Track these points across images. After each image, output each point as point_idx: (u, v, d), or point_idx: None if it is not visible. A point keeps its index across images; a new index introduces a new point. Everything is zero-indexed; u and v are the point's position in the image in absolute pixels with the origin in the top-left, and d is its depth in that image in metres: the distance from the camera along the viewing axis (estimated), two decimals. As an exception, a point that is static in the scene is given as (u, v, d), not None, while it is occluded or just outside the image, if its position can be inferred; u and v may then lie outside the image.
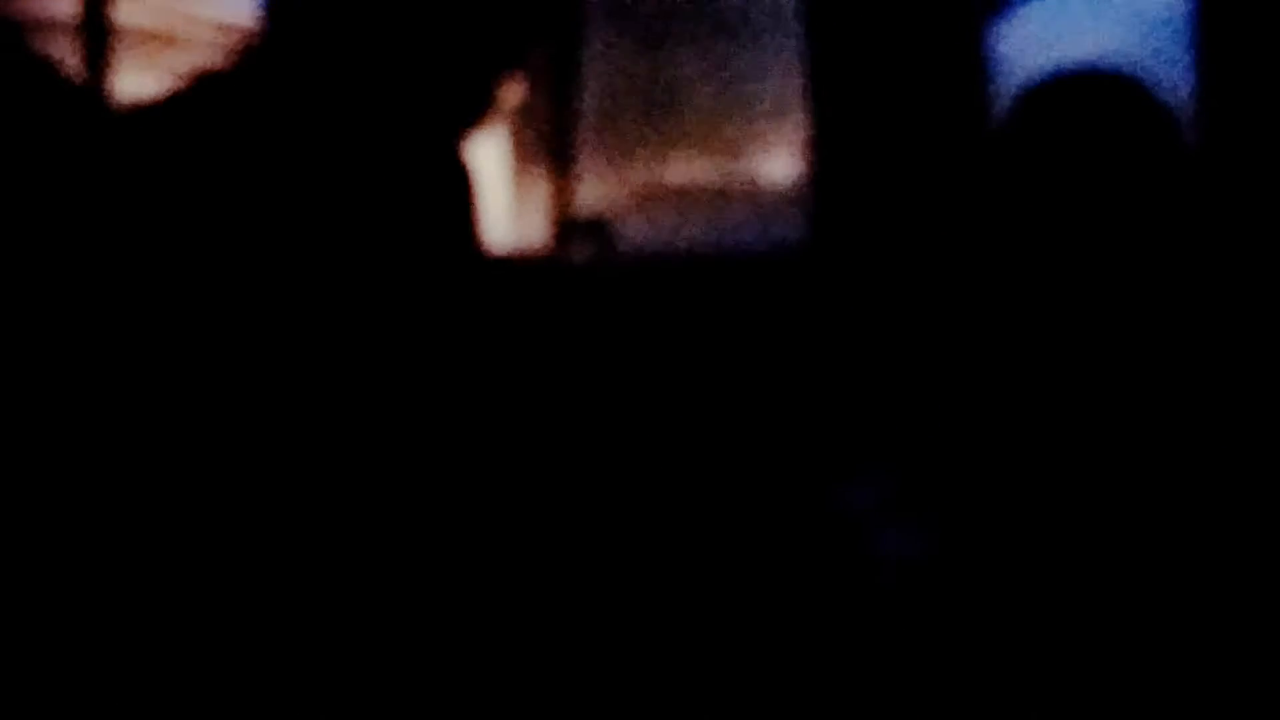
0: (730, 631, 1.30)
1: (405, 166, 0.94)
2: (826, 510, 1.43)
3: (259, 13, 0.89)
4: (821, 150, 2.27)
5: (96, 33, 1.40)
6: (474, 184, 1.04)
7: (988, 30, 2.12)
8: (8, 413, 0.75)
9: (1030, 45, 2.03)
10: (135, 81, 0.88)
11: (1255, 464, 1.08)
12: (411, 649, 0.83)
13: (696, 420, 1.85)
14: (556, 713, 0.94)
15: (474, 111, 0.96)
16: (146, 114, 0.85)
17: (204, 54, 0.93)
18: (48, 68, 0.90)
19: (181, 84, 0.85)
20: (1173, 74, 1.80)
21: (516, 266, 1.86)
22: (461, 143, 1.01)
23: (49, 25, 1.41)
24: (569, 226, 1.97)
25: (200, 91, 0.85)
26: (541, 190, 2.19)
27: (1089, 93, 1.19)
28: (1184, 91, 1.82)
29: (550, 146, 2.15)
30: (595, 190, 2.24)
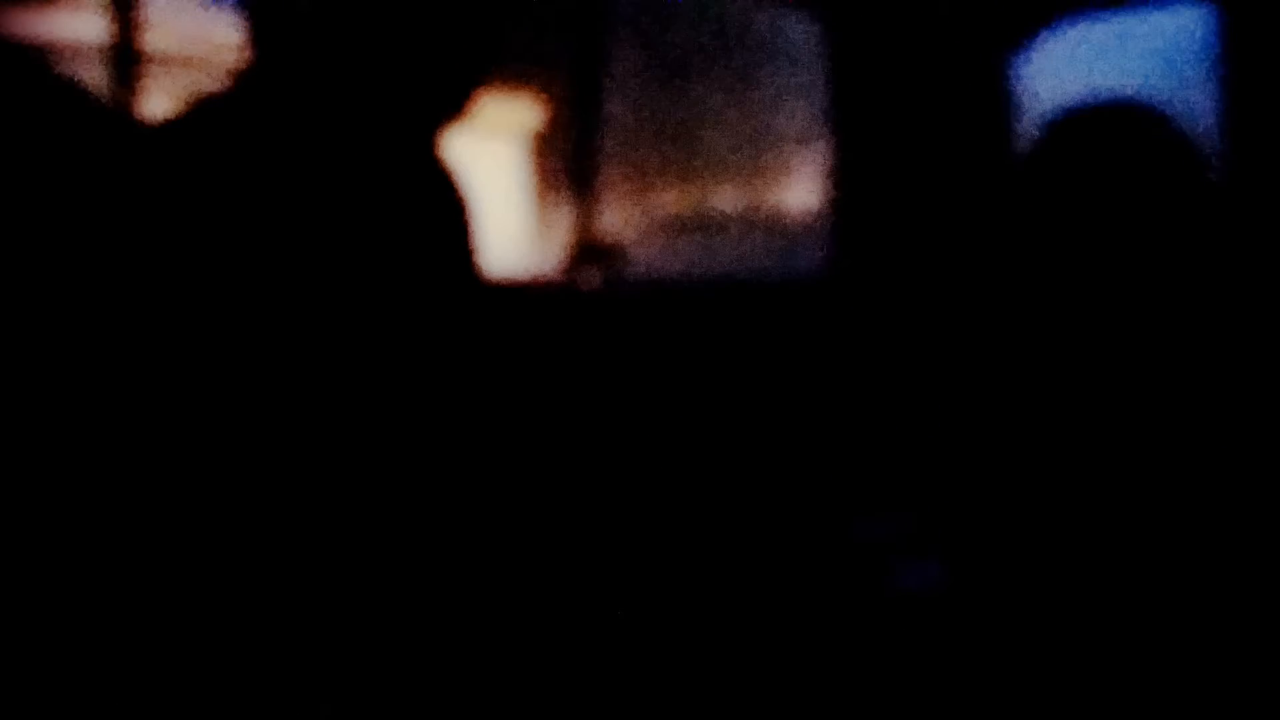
0: (749, 659, 1.29)
1: (399, 183, 0.95)
2: (846, 542, 1.42)
3: (243, 31, 0.89)
4: (843, 179, 2.27)
5: (125, 58, 1.42)
6: (467, 201, 1.05)
7: (1011, 60, 2.12)
8: (14, 413, 0.75)
9: (1054, 75, 2.03)
10: (162, 106, 0.89)
11: (1270, 497, 1.07)
12: (411, 649, 0.83)
13: (714, 449, 1.84)
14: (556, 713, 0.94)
15: (456, 116, 0.96)
16: (149, 138, 0.85)
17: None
18: (76, 92, 0.91)
19: (181, 107, 0.85)
20: (1196, 105, 1.80)
21: (533, 290, 1.87)
22: (455, 160, 1.02)
23: (77, 50, 1.42)
24: (583, 251, 1.97)
25: (197, 114, 0.85)
26: (562, 216, 2.19)
27: (1112, 124, 1.19)
28: (1207, 123, 1.81)
29: (571, 172, 2.16)
30: (616, 216, 2.24)
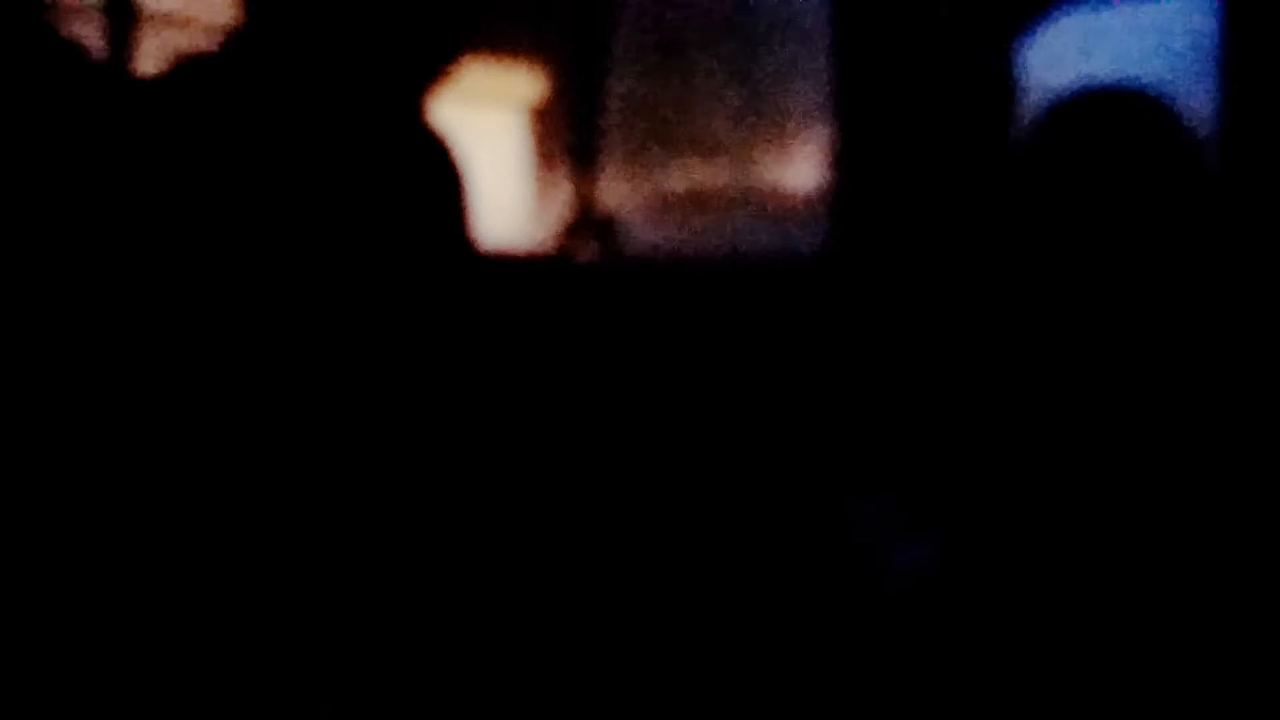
0: (739, 640, 1.29)
1: (389, 156, 0.94)
2: (837, 522, 1.42)
3: None
4: (843, 160, 2.26)
5: (120, 15, 1.41)
6: (462, 171, 1.04)
7: (1014, 46, 2.11)
8: (9, 409, 0.75)
9: (1056, 62, 2.02)
10: (157, 64, 0.89)
11: (1262, 476, 1.07)
12: (411, 649, 0.82)
13: (708, 427, 1.84)
14: (558, 713, 0.94)
15: (447, 78, 0.95)
16: (141, 97, 0.85)
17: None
18: (70, 49, 0.91)
19: (168, 68, 0.85)
20: (1197, 94, 1.79)
21: (531, 265, 1.86)
22: (451, 131, 1.01)
23: (72, 8, 1.41)
24: (580, 226, 1.96)
25: (185, 76, 0.85)
26: (562, 192, 2.19)
27: (1112, 111, 1.19)
28: (1208, 112, 1.81)
29: (572, 149, 2.15)
30: (616, 193, 2.24)
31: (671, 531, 1.49)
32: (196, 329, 0.77)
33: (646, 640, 1.22)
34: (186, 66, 0.86)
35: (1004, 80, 2.13)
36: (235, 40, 0.90)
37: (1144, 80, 1.30)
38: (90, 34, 1.38)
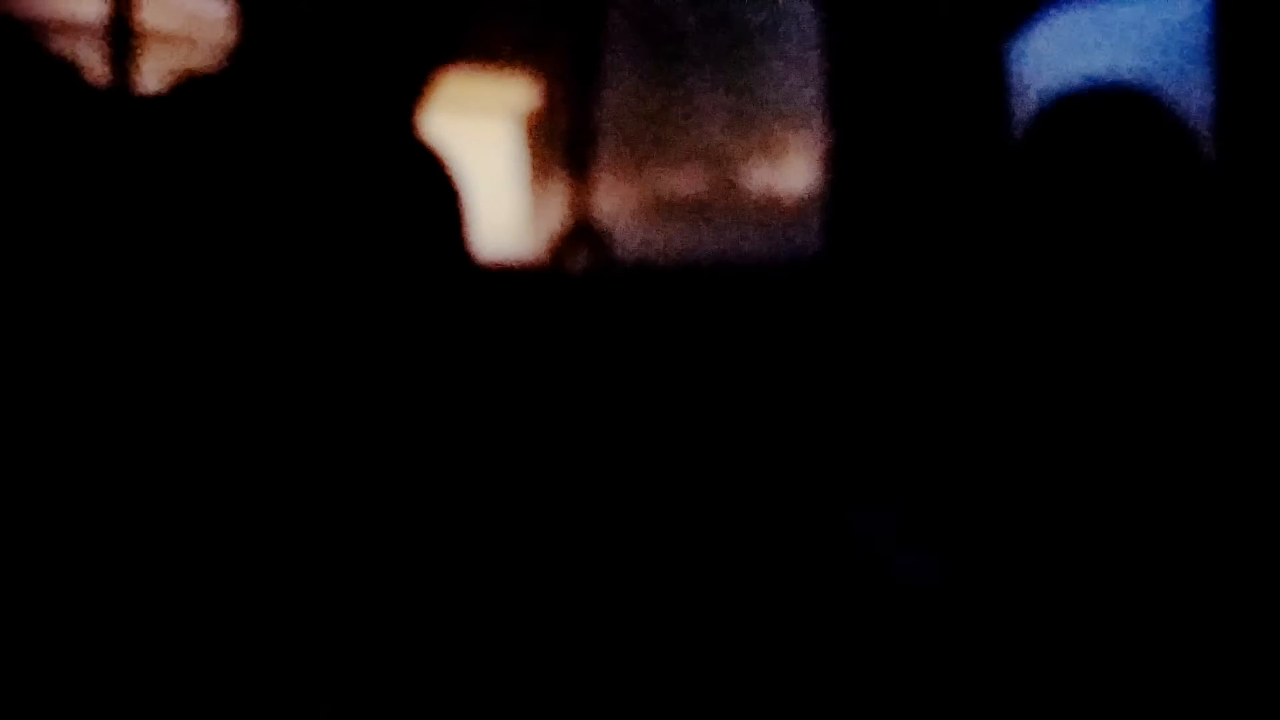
0: (740, 647, 1.29)
1: (385, 166, 0.94)
2: (841, 534, 1.42)
3: (237, 8, 0.89)
4: (838, 164, 2.26)
5: (122, 36, 1.41)
6: (458, 181, 1.04)
7: (1007, 45, 2.11)
8: (10, 410, 0.75)
9: (1049, 61, 2.02)
10: (156, 83, 0.89)
11: (1263, 477, 1.07)
12: (411, 649, 0.82)
13: (706, 435, 1.83)
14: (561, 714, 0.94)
15: (433, 91, 0.95)
16: (139, 116, 0.85)
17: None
18: (71, 70, 0.91)
19: (168, 85, 0.85)
20: (1191, 92, 1.79)
21: (527, 273, 1.86)
22: (446, 140, 1.01)
23: (74, 28, 1.41)
24: (574, 234, 1.96)
25: (186, 93, 0.85)
26: (556, 199, 2.18)
27: (1107, 108, 1.18)
28: (1202, 109, 1.81)
29: (567, 156, 2.15)
30: (610, 200, 2.24)
31: (672, 539, 1.49)
32: (200, 341, 0.77)
33: (648, 648, 1.22)
34: (186, 85, 0.86)
35: (997, 80, 2.13)
36: (234, 58, 0.90)
37: (1139, 77, 1.30)
38: (89, 53, 1.38)
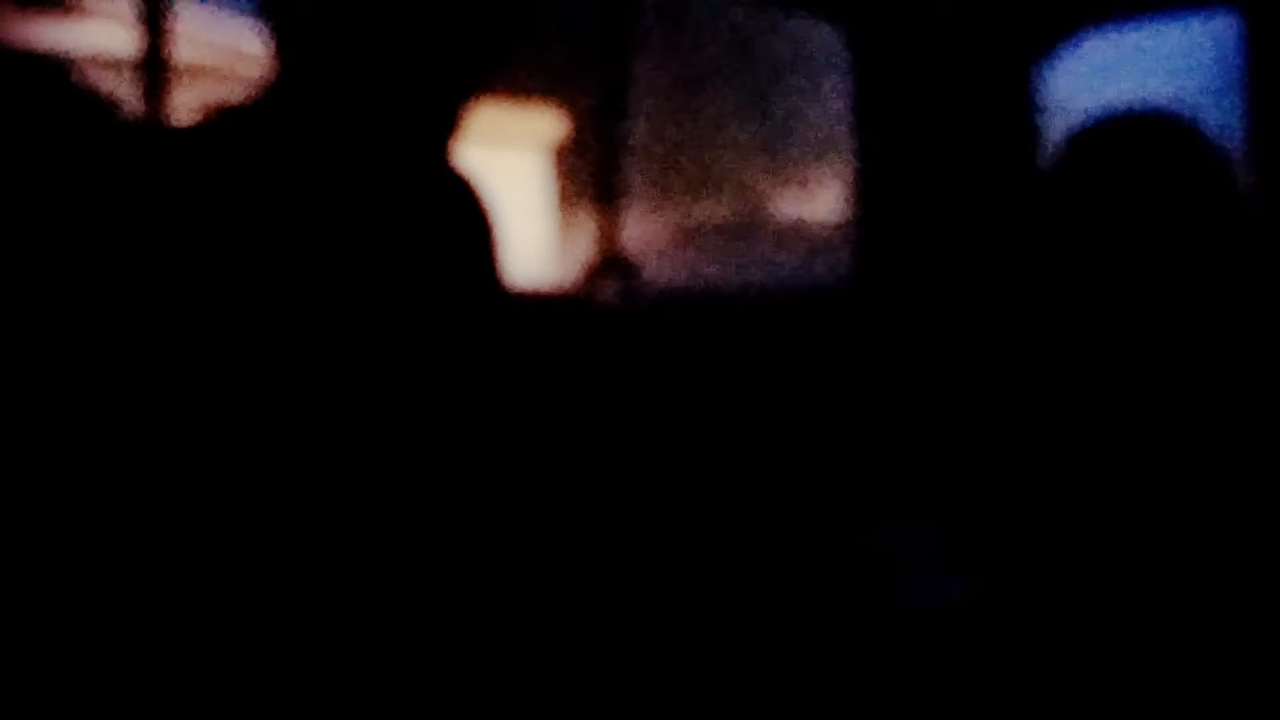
0: (764, 672, 1.28)
1: (422, 194, 0.94)
2: (868, 554, 1.41)
3: (270, 41, 0.89)
4: (866, 190, 2.26)
5: (153, 69, 1.42)
6: (491, 213, 1.05)
7: (1037, 70, 2.11)
8: (26, 413, 0.75)
9: (1080, 86, 2.01)
10: (189, 117, 0.90)
11: None
12: (412, 649, 0.82)
13: (734, 459, 1.83)
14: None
15: (467, 122, 0.96)
16: (172, 150, 0.85)
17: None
18: (105, 104, 0.92)
19: (203, 118, 0.85)
20: (1222, 116, 1.78)
21: (555, 302, 1.86)
22: (478, 172, 1.01)
23: (105, 62, 1.43)
24: (602, 262, 1.97)
25: (220, 125, 0.85)
26: (586, 229, 2.19)
27: (1139, 132, 1.17)
28: (1233, 134, 1.80)
29: (595, 186, 2.16)
30: (639, 229, 2.24)
31: (701, 560, 1.49)
32: (234, 373, 0.77)
33: (670, 668, 1.21)
34: (220, 117, 0.86)
35: (1027, 105, 2.13)
36: (269, 90, 0.90)
37: (1170, 101, 1.29)
38: (123, 88, 1.40)
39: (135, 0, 1.45)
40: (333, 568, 0.79)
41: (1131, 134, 1.17)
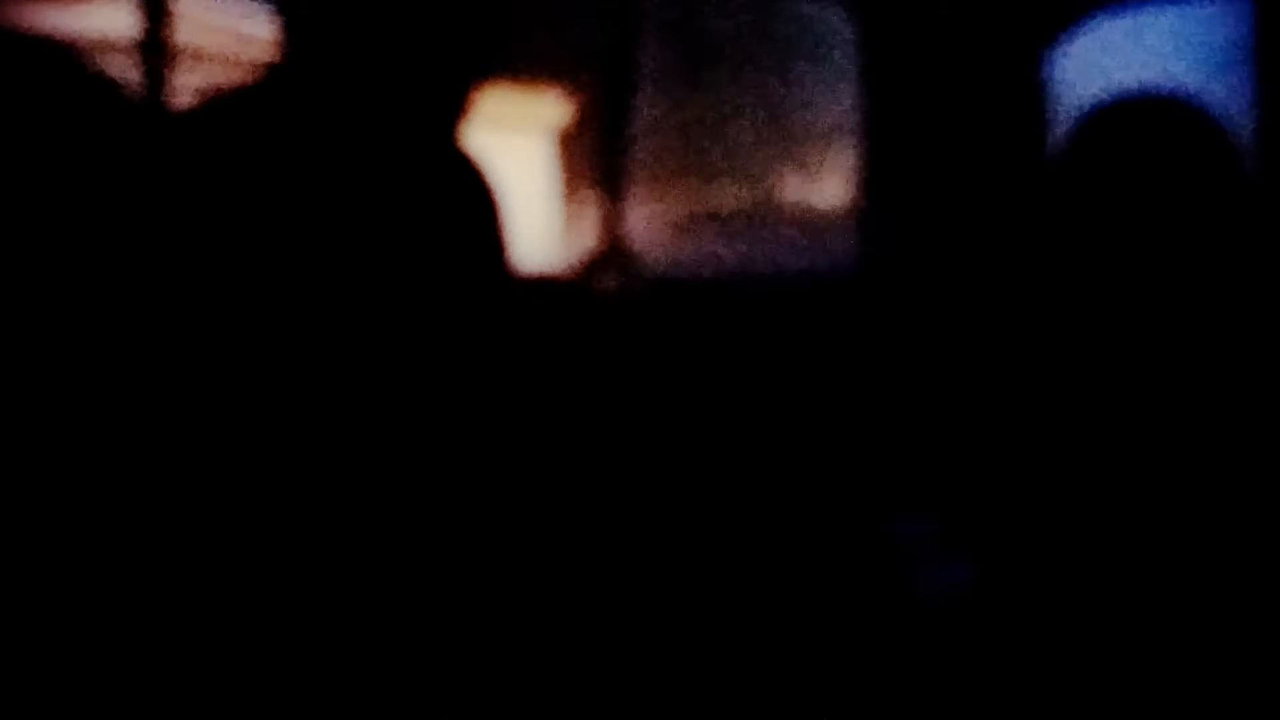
0: (772, 660, 1.29)
1: (427, 177, 0.94)
2: (871, 543, 1.42)
3: (276, 25, 0.89)
4: (872, 176, 2.25)
5: (154, 53, 1.43)
6: (496, 196, 1.03)
7: (1045, 55, 2.10)
8: (39, 410, 0.75)
9: (1088, 72, 2.01)
10: (191, 101, 0.90)
11: None
12: (416, 649, 0.82)
13: (739, 447, 1.83)
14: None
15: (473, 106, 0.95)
16: (178, 133, 0.85)
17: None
18: (105, 86, 0.92)
19: (209, 102, 0.85)
20: (1231, 102, 1.77)
21: (559, 286, 1.87)
22: (483, 156, 1.01)
23: (106, 45, 1.43)
24: (607, 248, 1.97)
25: (226, 109, 0.85)
26: (589, 213, 2.19)
27: (1147, 116, 1.16)
28: (1243, 120, 1.79)
29: (600, 171, 2.16)
30: (644, 215, 2.24)
31: (704, 551, 1.49)
32: (235, 353, 0.77)
33: (679, 658, 1.22)
34: (224, 100, 0.86)
35: (1035, 90, 2.12)
36: (273, 75, 0.90)
37: (1179, 86, 1.29)
38: (125, 70, 1.40)
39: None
40: (337, 559, 0.79)
41: (1138, 118, 1.16)
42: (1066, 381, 1.20)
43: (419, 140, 0.93)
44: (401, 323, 0.86)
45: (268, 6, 0.89)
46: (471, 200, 1.01)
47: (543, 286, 1.81)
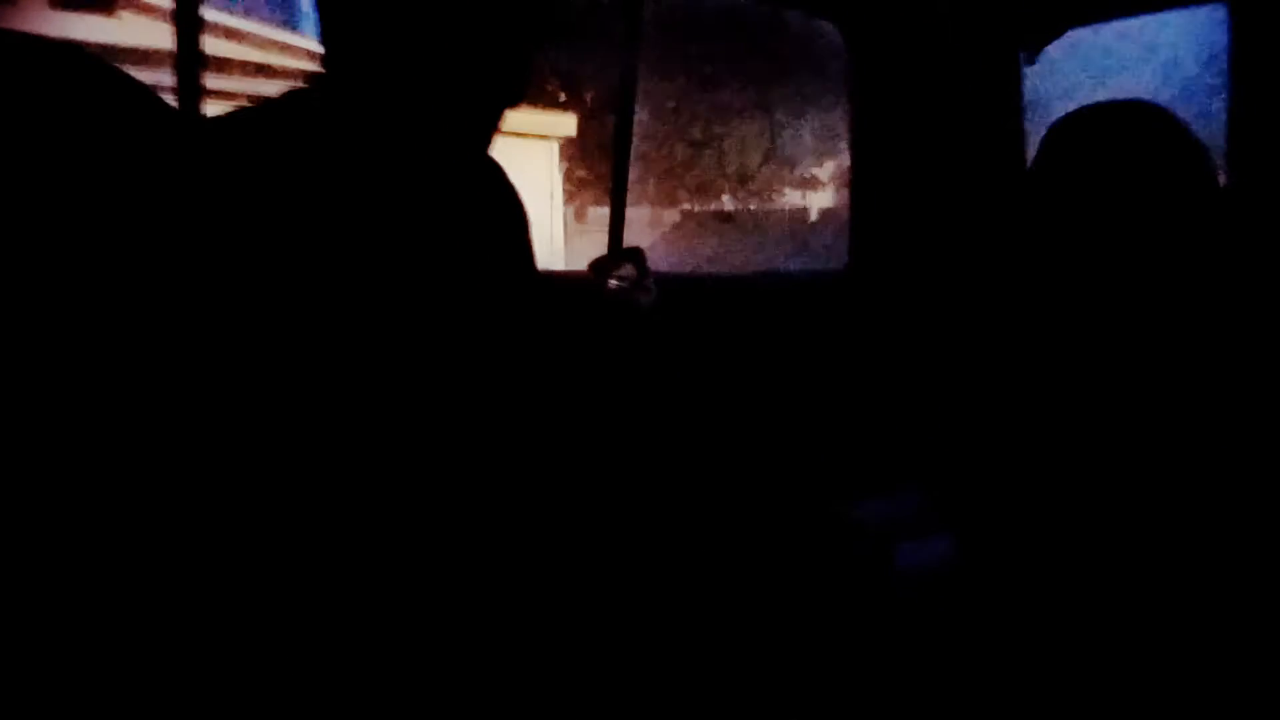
0: (750, 638, 1.27)
1: (453, 183, 0.95)
2: (850, 523, 1.42)
3: (320, 39, 0.90)
4: (864, 180, 2.28)
5: (190, 63, 1.43)
6: (516, 201, 1.05)
7: (1026, 65, 2.12)
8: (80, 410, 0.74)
9: (1066, 87, 2.02)
10: (227, 110, 0.90)
11: (1269, 478, 1.06)
12: (421, 649, 0.82)
13: (727, 434, 1.85)
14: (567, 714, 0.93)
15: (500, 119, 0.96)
16: (217, 142, 0.85)
17: (299, 82, 0.94)
18: (143, 97, 0.91)
19: (243, 113, 0.85)
20: (1204, 108, 1.78)
21: (566, 284, 1.89)
22: (499, 164, 1.02)
23: (142, 56, 1.41)
24: (611, 248, 1.99)
25: (263, 119, 0.85)
26: (595, 217, 2.22)
27: (1118, 124, 1.18)
28: (1216, 125, 1.79)
29: (603, 174, 2.17)
30: (647, 216, 2.27)
31: (686, 531, 1.48)
32: (277, 350, 0.77)
33: (655, 638, 1.20)
34: (260, 110, 0.86)
35: (1015, 98, 2.14)
36: (312, 85, 0.91)
37: (1152, 96, 1.29)
38: (162, 79, 1.38)
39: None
40: (363, 552, 0.79)
41: (1109, 127, 1.18)
42: (1044, 369, 1.22)
43: (452, 146, 0.95)
44: (434, 318, 0.87)
45: (314, 17, 0.90)
46: (500, 204, 1.03)
47: (552, 281, 1.83)
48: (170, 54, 1.45)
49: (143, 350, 0.75)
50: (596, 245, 2.04)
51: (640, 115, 2.25)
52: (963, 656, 1.16)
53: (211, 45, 1.45)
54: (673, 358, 1.74)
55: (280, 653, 0.76)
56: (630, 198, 2.18)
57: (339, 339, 0.79)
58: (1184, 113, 1.18)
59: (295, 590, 0.77)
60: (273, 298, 0.77)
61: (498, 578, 0.88)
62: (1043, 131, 1.26)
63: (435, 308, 0.86)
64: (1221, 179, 1.26)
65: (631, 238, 2.14)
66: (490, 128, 0.96)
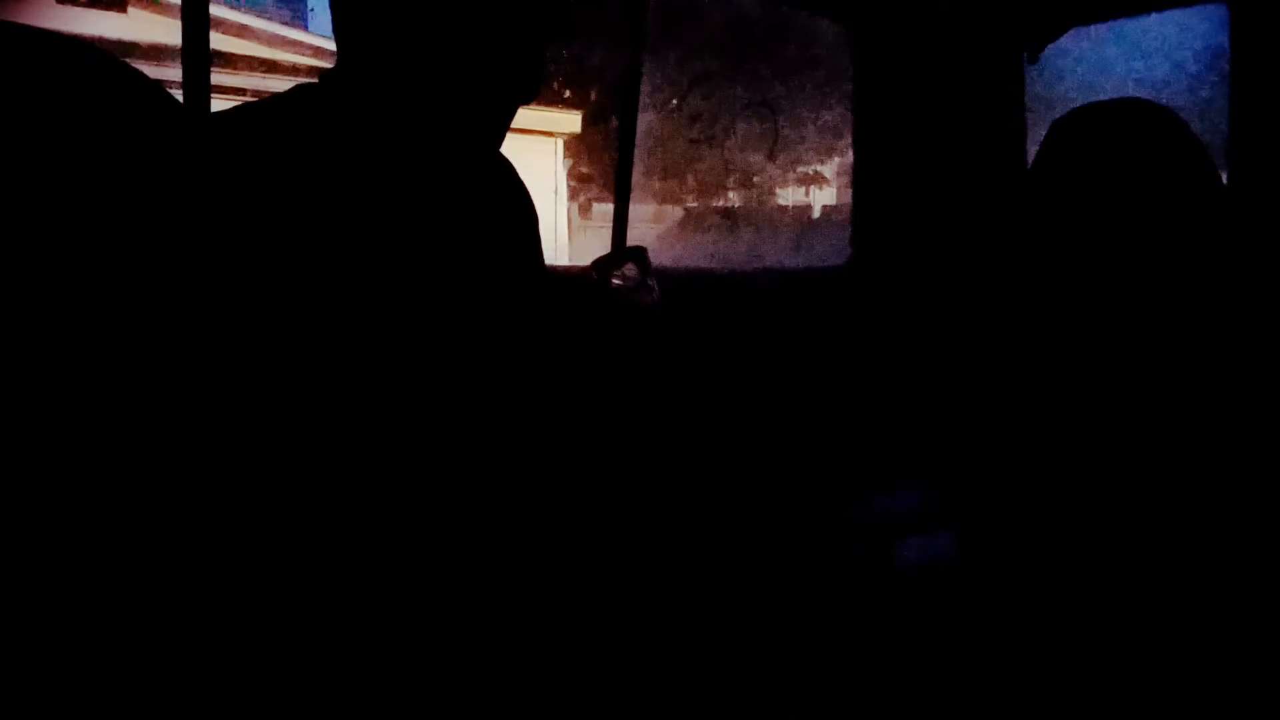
0: (752, 635, 1.27)
1: (460, 181, 0.95)
2: (851, 519, 1.41)
3: (333, 34, 0.89)
4: (867, 177, 2.28)
5: (197, 59, 1.43)
6: (524, 197, 1.05)
7: (1028, 64, 2.12)
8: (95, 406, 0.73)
9: (1068, 85, 2.02)
10: (236, 107, 0.90)
11: (1269, 478, 1.06)
12: (428, 649, 0.81)
13: (729, 430, 1.85)
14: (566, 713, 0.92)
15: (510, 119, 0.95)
16: (227, 138, 0.84)
17: (306, 79, 0.94)
18: (152, 93, 0.91)
19: (253, 110, 0.84)
20: (1206, 106, 1.78)
21: (570, 281, 1.90)
22: (508, 162, 1.02)
23: (151, 52, 1.42)
24: (615, 246, 1.99)
25: (266, 112, 0.85)
26: (599, 214, 2.22)
27: (1119, 122, 1.18)
28: (1217, 124, 1.79)
29: (609, 174, 2.17)
30: (651, 213, 2.27)
31: (689, 528, 1.48)
32: (290, 337, 0.77)
33: (659, 635, 1.20)
34: (268, 106, 0.86)
35: (1018, 97, 2.14)
36: (320, 81, 0.91)
37: (1153, 94, 1.29)
38: (172, 75, 1.38)
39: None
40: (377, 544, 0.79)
41: (1110, 124, 1.18)
42: (1045, 366, 1.22)
43: (464, 146, 0.95)
44: (445, 312, 0.87)
45: (330, 15, 0.90)
46: (511, 202, 1.02)
47: (555, 278, 1.83)
48: (179, 50, 1.45)
49: (150, 343, 0.75)
50: (600, 241, 2.04)
51: (644, 112, 2.25)
52: (964, 653, 1.16)
53: (219, 41, 1.45)
54: (675, 353, 1.74)
55: (280, 652, 0.76)
56: (634, 194, 2.18)
57: (349, 333, 0.79)
58: (1185, 111, 1.18)
59: (296, 588, 0.76)
60: (282, 293, 0.77)
61: (499, 573, 0.88)
62: (1044, 129, 1.25)
63: (446, 302, 0.86)
64: (1222, 177, 1.26)
65: (635, 234, 2.14)
66: (503, 125, 0.96)
